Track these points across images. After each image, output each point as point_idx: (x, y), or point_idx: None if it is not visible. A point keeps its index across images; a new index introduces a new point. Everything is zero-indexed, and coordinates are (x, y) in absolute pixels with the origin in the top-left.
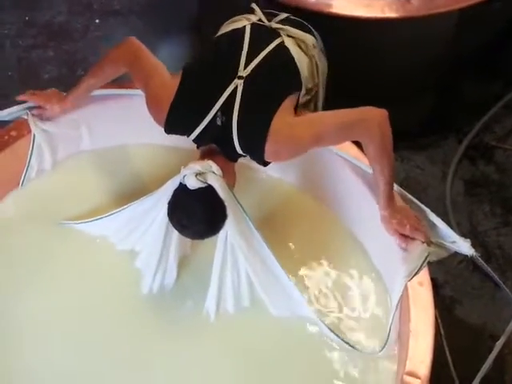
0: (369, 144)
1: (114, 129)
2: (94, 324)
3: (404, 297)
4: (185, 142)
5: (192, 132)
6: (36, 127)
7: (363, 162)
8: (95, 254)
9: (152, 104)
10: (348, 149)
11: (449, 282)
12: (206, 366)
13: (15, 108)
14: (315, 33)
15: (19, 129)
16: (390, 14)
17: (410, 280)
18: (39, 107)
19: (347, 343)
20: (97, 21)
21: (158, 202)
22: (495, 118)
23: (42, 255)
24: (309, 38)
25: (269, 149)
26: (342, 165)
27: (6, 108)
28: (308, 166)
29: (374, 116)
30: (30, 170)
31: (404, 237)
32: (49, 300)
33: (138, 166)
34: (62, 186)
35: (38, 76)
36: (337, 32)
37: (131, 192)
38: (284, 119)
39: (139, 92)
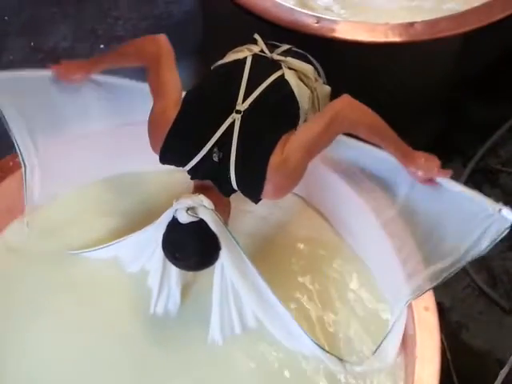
0: (356, 129)
1: (115, 157)
2: (94, 349)
3: (410, 321)
4: None
5: (187, 164)
6: (30, 160)
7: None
8: (98, 280)
9: (151, 129)
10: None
11: (455, 306)
12: None
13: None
14: (318, 65)
15: None
16: (394, 38)
17: (414, 299)
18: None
19: (344, 361)
20: (101, 46)
21: (156, 233)
22: (500, 142)
23: (45, 282)
24: (310, 71)
25: (267, 189)
26: (344, 183)
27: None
28: (309, 184)
29: (342, 106)
30: (29, 200)
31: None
32: (50, 326)
33: (143, 192)
34: (67, 213)
35: None
36: (340, 56)
37: (136, 218)
38: (280, 156)
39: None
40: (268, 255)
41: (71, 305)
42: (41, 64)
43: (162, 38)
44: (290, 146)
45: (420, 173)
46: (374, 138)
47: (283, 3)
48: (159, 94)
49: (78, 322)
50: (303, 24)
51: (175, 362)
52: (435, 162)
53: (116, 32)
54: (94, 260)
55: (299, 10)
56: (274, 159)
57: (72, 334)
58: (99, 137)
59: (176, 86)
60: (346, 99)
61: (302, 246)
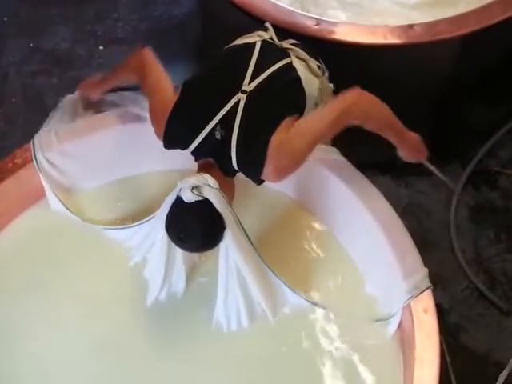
0: (365, 122)
1: (125, 158)
2: (98, 332)
3: (409, 323)
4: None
5: (191, 144)
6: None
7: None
8: (107, 263)
9: (153, 119)
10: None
11: (454, 308)
12: (215, 377)
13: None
14: (322, 64)
15: (23, 156)
16: (393, 40)
17: (412, 299)
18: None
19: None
20: (101, 48)
21: (161, 219)
22: (499, 144)
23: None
24: (316, 65)
25: (267, 169)
26: (340, 182)
27: (8, 135)
28: (307, 180)
29: (353, 99)
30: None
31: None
32: (53, 306)
33: (152, 193)
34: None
35: (43, 102)
36: (339, 58)
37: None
38: (281, 138)
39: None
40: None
41: (76, 286)
42: (40, 65)
43: (145, 50)
44: (297, 129)
45: (406, 154)
46: (379, 130)
47: (283, 5)
48: (154, 92)
49: (81, 304)
50: (303, 26)
51: (181, 346)
52: (419, 148)
53: (115, 33)
54: (98, 247)
55: (299, 12)
56: (276, 138)
57: (74, 315)
58: (109, 138)
59: (169, 84)
60: (357, 92)
61: (297, 238)
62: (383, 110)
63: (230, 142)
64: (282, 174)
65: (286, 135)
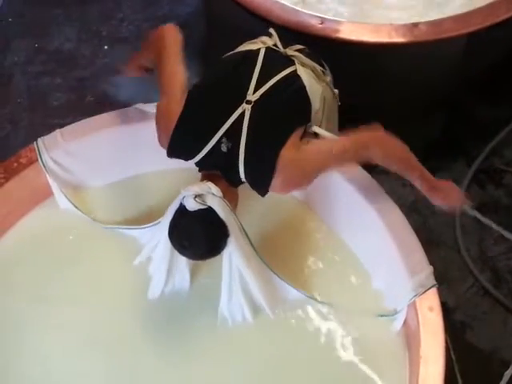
0: (384, 164)
1: (129, 158)
2: (102, 331)
3: (414, 321)
4: None
5: (195, 156)
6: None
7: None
8: (113, 262)
9: (157, 125)
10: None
11: (459, 306)
12: (219, 375)
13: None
14: (327, 69)
15: (29, 156)
16: (398, 38)
17: (417, 297)
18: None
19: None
20: (105, 47)
21: (166, 222)
22: (504, 142)
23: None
24: (320, 72)
25: (275, 182)
26: (344, 181)
27: (13, 135)
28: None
29: (374, 142)
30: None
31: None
32: (58, 306)
33: (160, 192)
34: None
35: (47, 103)
36: (344, 57)
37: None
38: (291, 153)
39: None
40: (274, 242)
41: (80, 286)
42: (45, 65)
43: (166, 28)
44: (311, 149)
45: (442, 203)
46: (400, 171)
47: (287, 4)
48: (163, 89)
49: (85, 303)
50: (307, 25)
51: (186, 347)
52: (455, 193)
53: (120, 33)
54: (104, 247)
55: (303, 10)
56: (286, 153)
57: (78, 313)
58: (116, 137)
59: (179, 79)
60: (379, 136)
61: (302, 240)
62: (401, 154)
63: (238, 154)
64: (289, 187)
65: (298, 153)
